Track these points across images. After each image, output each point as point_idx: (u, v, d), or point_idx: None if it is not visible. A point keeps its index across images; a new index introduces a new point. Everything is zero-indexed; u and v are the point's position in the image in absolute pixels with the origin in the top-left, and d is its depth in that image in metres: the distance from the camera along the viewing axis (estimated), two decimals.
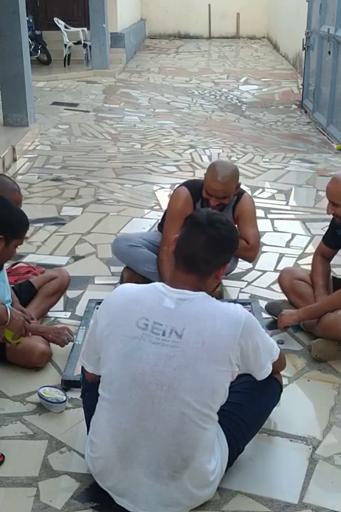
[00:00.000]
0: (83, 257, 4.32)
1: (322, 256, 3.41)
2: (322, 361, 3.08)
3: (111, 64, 12.69)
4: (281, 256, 4.36)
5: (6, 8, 6.90)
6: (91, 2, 12.25)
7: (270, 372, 2.20)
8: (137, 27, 16.73)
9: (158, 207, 5.25)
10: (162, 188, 5.79)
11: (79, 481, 2.30)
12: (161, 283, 2.14)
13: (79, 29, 13.05)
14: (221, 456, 2.17)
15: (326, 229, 3.49)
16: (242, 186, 3.75)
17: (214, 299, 2.13)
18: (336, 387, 2.91)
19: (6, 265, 3.35)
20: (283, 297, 3.54)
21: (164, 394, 2.01)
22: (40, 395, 2.70)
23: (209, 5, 18.65)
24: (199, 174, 5.64)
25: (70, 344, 3.07)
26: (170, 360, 2.01)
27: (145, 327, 2.04)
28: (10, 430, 2.57)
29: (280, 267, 4.05)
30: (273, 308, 3.50)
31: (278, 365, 2.30)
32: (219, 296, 3.59)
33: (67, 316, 3.50)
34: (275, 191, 5.80)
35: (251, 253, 3.73)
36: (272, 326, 3.39)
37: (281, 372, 2.47)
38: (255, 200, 5.38)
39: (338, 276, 3.54)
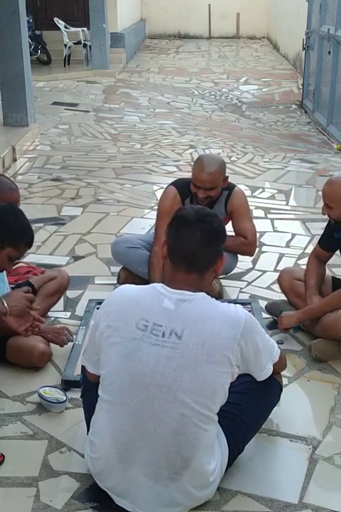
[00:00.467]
0: (83, 257, 4.32)
1: (317, 258, 3.42)
2: (322, 361, 3.08)
3: (111, 64, 12.69)
4: (281, 256, 4.36)
5: (6, 8, 6.90)
6: (91, 2, 12.25)
7: (270, 373, 2.20)
8: (137, 27, 16.74)
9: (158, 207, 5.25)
10: (162, 188, 5.76)
11: (79, 481, 2.30)
12: (160, 284, 2.13)
13: (79, 29, 13.05)
14: (221, 456, 2.17)
15: None
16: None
17: (213, 299, 2.12)
18: (336, 387, 2.91)
19: None
20: (283, 297, 3.54)
21: (164, 395, 2.01)
22: (40, 395, 2.70)
23: (209, 5, 18.65)
24: None
25: (70, 344, 3.07)
26: (170, 361, 2.01)
27: (145, 328, 2.04)
28: (10, 430, 2.57)
29: (280, 267, 4.06)
30: (273, 308, 3.50)
31: (279, 366, 2.30)
32: (219, 296, 3.60)
33: (67, 316, 3.50)
34: (276, 191, 5.80)
35: (251, 248, 3.76)
36: (272, 326, 3.39)
37: (281, 373, 2.47)
38: (255, 200, 5.47)
39: (337, 276, 3.54)
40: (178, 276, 2.11)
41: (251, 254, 3.88)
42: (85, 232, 4.71)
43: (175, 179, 3.92)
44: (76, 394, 2.69)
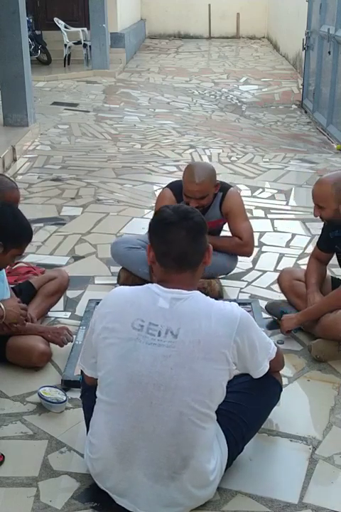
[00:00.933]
0: (83, 257, 4.32)
1: (317, 259, 3.42)
2: (322, 361, 3.08)
3: (111, 64, 12.69)
4: (281, 256, 4.36)
5: (6, 8, 6.90)
6: (91, 2, 12.26)
7: (267, 370, 2.19)
8: (137, 27, 16.74)
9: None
10: (162, 188, 5.77)
11: (79, 481, 2.30)
12: (155, 284, 2.14)
13: (79, 29, 13.05)
14: (220, 455, 2.17)
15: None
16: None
17: (208, 297, 2.13)
18: (336, 387, 2.91)
19: None
20: (283, 297, 3.54)
21: (162, 394, 2.01)
22: (40, 395, 2.70)
23: (209, 5, 18.65)
24: None
25: (70, 344, 3.07)
26: (167, 360, 2.01)
27: (141, 328, 2.04)
28: (10, 430, 2.57)
29: (280, 267, 4.05)
30: (273, 308, 3.50)
31: (276, 364, 2.29)
32: (219, 296, 3.60)
33: (67, 316, 3.50)
34: (275, 191, 5.80)
35: (247, 248, 3.75)
36: (272, 326, 3.39)
37: (281, 372, 2.47)
38: (255, 200, 5.47)
39: (337, 277, 3.54)
40: (171, 276, 2.11)
41: (248, 255, 3.86)
42: (85, 232, 4.71)
43: (171, 181, 3.93)
44: (76, 394, 2.69)
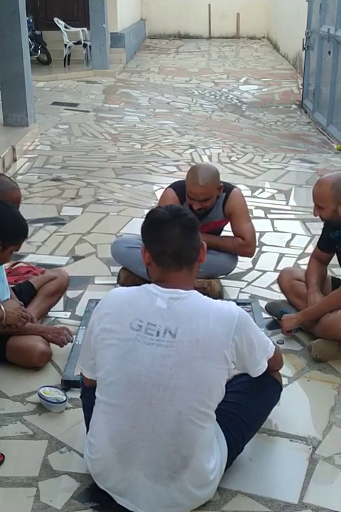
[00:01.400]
0: (83, 257, 4.32)
1: (317, 259, 3.42)
2: (322, 361, 3.08)
3: (111, 64, 12.69)
4: (281, 256, 4.36)
5: (6, 8, 6.90)
6: (91, 2, 12.26)
7: (265, 369, 2.19)
8: (137, 27, 16.74)
9: None
10: (162, 188, 5.76)
11: (79, 481, 2.30)
12: (152, 284, 2.14)
13: (79, 29, 13.05)
14: (220, 455, 2.17)
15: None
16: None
17: (205, 297, 2.13)
18: (336, 387, 2.91)
19: (6, 265, 3.36)
20: (283, 297, 3.54)
21: (161, 394, 2.01)
22: (40, 395, 2.70)
23: (209, 5, 18.65)
24: None
25: (70, 344, 3.07)
26: (166, 359, 2.01)
27: (139, 328, 2.05)
28: (10, 430, 2.57)
29: (280, 267, 4.05)
30: (273, 308, 3.50)
31: (275, 363, 2.29)
32: (219, 296, 3.60)
33: (67, 316, 3.50)
34: (275, 191, 5.80)
35: (249, 249, 3.76)
36: (272, 326, 3.39)
37: (281, 373, 2.47)
38: (255, 200, 5.47)
39: (337, 276, 3.54)
40: (169, 275, 2.12)
41: (250, 255, 3.87)
42: (85, 232, 4.71)
43: (173, 181, 3.93)
44: (76, 394, 2.68)
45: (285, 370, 2.93)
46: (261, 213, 5.17)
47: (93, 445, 2.13)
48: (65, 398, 2.70)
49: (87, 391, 2.29)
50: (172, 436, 2.02)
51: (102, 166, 6.53)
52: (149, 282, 2.18)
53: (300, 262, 4.23)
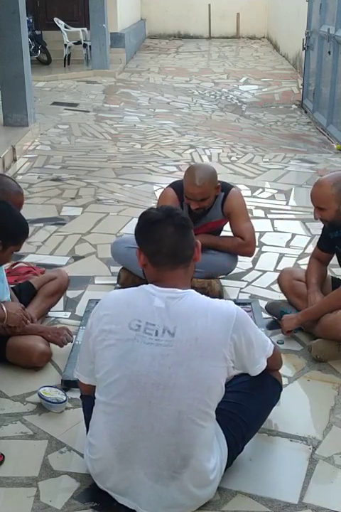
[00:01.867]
0: (83, 257, 4.32)
1: (317, 259, 3.42)
2: (322, 361, 3.08)
3: (111, 64, 12.69)
4: (281, 256, 4.36)
5: (6, 8, 6.90)
6: (91, 2, 12.26)
7: (264, 367, 2.19)
8: (137, 27, 16.74)
9: None
10: (162, 188, 5.75)
11: (79, 481, 2.30)
12: (149, 284, 2.14)
13: (79, 29, 13.05)
14: (220, 455, 2.17)
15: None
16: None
17: (203, 296, 2.14)
18: (336, 387, 2.91)
19: (6, 265, 3.36)
20: (283, 297, 3.54)
21: (160, 393, 2.01)
22: (40, 395, 2.70)
23: (209, 5, 18.65)
24: None
25: (70, 344, 3.07)
26: (165, 359, 2.02)
27: (138, 328, 2.05)
28: (10, 430, 2.57)
29: (280, 267, 4.05)
30: (273, 308, 3.50)
31: (274, 362, 2.29)
32: (219, 296, 3.60)
33: (67, 316, 3.50)
34: (275, 191, 5.80)
35: (249, 248, 3.76)
36: (272, 326, 3.39)
37: (281, 373, 2.47)
38: (255, 200, 5.47)
39: (337, 276, 3.54)
40: (165, 275, 2.12)
41: (249, 255, 3.87)
42: (85, 232, 4.71)
43: (173, 180, 3.93)
44: (76, 394, 2.68)
45: (285, 370, 2.93)
46: (261, 213, 5.17)
47: (93, 445, 2.13)
48: (64, 398, 2.70)
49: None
50: (172, 435, 2.02)
51: (102, 166, 6.53)
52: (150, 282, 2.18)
53: (300, 262, 4.23)
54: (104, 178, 6.10)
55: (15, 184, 3.28)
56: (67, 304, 3.63)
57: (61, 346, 3.05)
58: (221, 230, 3.90)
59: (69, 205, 5.32)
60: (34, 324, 3.07)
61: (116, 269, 3.91)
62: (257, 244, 3.99)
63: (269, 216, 5.12)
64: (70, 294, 3.71)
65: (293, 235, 4.73)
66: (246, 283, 3.95)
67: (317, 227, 4.68)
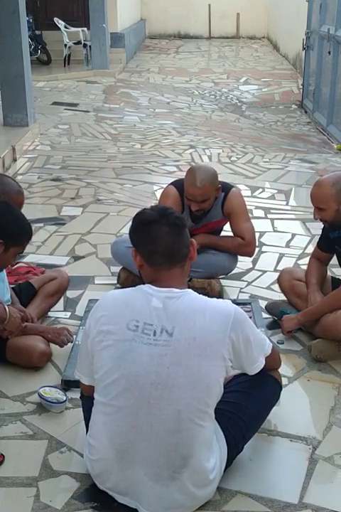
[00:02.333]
0: (83, 257, 4.32)
1: (317, 259, 3.42)
2: (322, 361, 3.08)
3: (111, 64, 12.69)
4: (281, 256, 4.36)
5: (6, 8, 6.90)
6: (91, 2, 12.26)
7: (262, 366, 2.19)
8: (137, 27, 16.74)
9: None
10: (162, 188, 5.76)
11: (79, 481, 2.30)
12: (147, 284, 2.14)
13: (79, 29, 13.05)
14: (220, 454, 2.17)
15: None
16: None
17: (201, 295, 2.14)
18: (336, 387, 2.91)
19: None
20: (283, 297, 3.54)
21: (159, 393, 2.01)
22: (40, 395, 2.70)
23: (209, 5, 18.65)
24: None
25: (70, 344, 3.07)
26: (163, 359, 2.02)
27: (136, 328, 2.05)
28: (10, 430, 2.57)
29: (280, 267, 4.05)
30: (273, 308, 3.50)
31: (272, 362, 2.29)
32: (219, 296, 3.60)
33: (67, 316, 3.51)
34: (275, 191, 5.80)
35: (249, 248, 3.76)
36: (272, 326, 3.39)
37: (281, 373, 2.47)
38: (255, 200, 5.47)
39: (337, 276, 3.54)
40: (161, 275, 2.12)
41: (250, 255, 3.87)
42: (85, 232, 4.71)
43: (174, 180, 3.93)
44: (76, 394, 2.68)
45: (285, 370, 2.93)
46: (261, 213, 5.17)
47: (92, 446, 2.13)
48: (65, 398, 2.70)
49: None
50: (171, 435, 2.02)
51: (102, 166, 6.53)
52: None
53: (300, 262, 4.23)
54: (104, 178, 6.10)
55: (16, 184, 3.28)
56: (67, 304, 3.63)
57: (61, 346, 3.05)
58: (221, 229, 3.91)
59: (69, 205, 5.32)
60: (34, 324, 3.07)
61: (116, 269, 3.91)
62: (257, 244, 3.99)
63: (269, 216, 5.12)
64: (70, 294, 3.71)
65: (293, 235, 4.73)
66: (246, 283, 3.95)
67: (317, 227, 4.68)
